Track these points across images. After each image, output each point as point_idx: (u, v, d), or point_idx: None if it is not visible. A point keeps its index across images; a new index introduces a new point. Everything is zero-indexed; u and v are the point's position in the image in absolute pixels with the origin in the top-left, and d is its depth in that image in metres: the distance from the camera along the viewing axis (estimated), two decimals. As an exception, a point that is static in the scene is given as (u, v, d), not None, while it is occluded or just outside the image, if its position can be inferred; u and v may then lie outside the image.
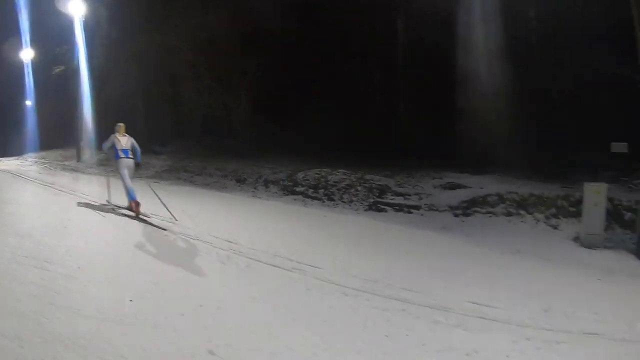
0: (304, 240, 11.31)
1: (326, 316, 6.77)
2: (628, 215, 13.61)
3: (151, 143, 27.28)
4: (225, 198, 17.24)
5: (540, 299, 8.45)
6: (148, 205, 12.68)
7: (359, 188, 17.83)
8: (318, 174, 18.41)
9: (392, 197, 16.65)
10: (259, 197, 17.81)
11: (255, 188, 19.10)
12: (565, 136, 17.55)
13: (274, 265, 9.07)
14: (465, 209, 15.45)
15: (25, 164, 33.13)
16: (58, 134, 37.92)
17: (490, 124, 18.39)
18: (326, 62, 22.52)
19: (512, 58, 18.92)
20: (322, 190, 17.64)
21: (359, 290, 7.92)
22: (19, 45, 40.61)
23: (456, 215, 15.36)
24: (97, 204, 13.32)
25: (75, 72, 31.77)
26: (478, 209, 15.27)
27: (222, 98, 26.49)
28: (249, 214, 14.29)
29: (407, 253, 11.61)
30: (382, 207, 16.24)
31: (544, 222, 14.21)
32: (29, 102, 44.47)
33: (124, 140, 12.74)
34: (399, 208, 16.00)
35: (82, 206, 13.23)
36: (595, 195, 12.67)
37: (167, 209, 12.70)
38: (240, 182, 20.03)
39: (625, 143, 14.13)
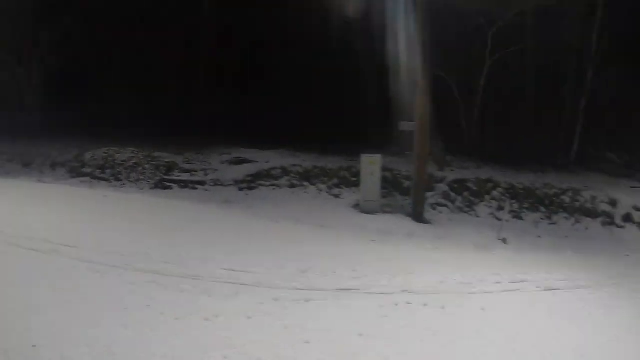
0: (72, 222, 10.23)
1: (70, 295, 6.12)
2: (407, 184, 13.76)
3: None
4: (3, 185, 14.67)
5: (302, 261, 8.04)
6: None
7: (147, 166, 16.10)
8: (106, 154, 16.55)
9: (179, 174, 15.62)
10: (44, 181, 15.69)
11: (41, 171, 16.81)
12: (358, 114, 17.08)
13: (31, 249, 8.05)
14: (250, 183, 14.42)
15: None
16: None
17: (285, 102, 17.54)
18: (125, 35, 20.24)
19: (310, 41, 18.21)
20: (110, 170, 15.87)
21: (112, 266, 7.31)
22: None
23: (241, 189, 14.25)
24: None
25: None
26: (263, 182, 14.33)
27: (13, 71, 22.81)
28: (23, 199, 12.58)
29: (177, 227, 10.40)
30: (168, 184, 14.97)
31: (327, 192, 13.80)
32: None
33: None
34: (184, 185, 14.98)
35: None
36: (372, 165, 12.63)
37: None
38: (26, 165, 17.36)
39: (414, 122, 14.24)
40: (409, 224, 11.82)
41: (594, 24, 18.57)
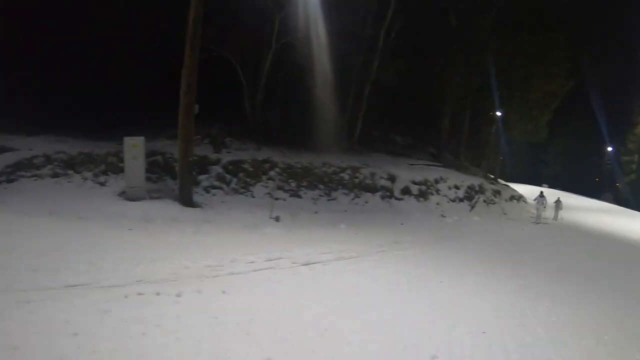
0: None
1: None
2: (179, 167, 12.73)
3: None
4: None
5: (38, 258, 6.95)
6: None
7: None
8: None
9: None
10: None
11: None
12: (142, 96, 15.70)
13: None
14: (9, 175, 12.36)
15: None
16: None
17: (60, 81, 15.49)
18: None
19: (87, 18, 16.40)
20: None
21: None
22: None
23: (-1, 182, 12.37)
24: None
25: None
26: (23, 173, 12.39)
27: None
28: None
29: None
30: None
31: (92, 180, 12.44)
32: None
33: None
34: None
35: None
36: (134, 149, 11.58)
37: None
38: None
39: (197, 105, 13.62)
40: (175, 208, 11.06)
41: (384, 19, 19.25)
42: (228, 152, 13.98)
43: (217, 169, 13.14)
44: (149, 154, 12.74)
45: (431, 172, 19.94)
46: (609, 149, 55.36)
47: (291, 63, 17.54)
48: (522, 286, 8.33)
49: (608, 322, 6.94)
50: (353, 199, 14.94)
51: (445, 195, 19.27)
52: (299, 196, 13.68)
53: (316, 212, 12.75)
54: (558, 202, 23.72)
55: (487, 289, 7.83)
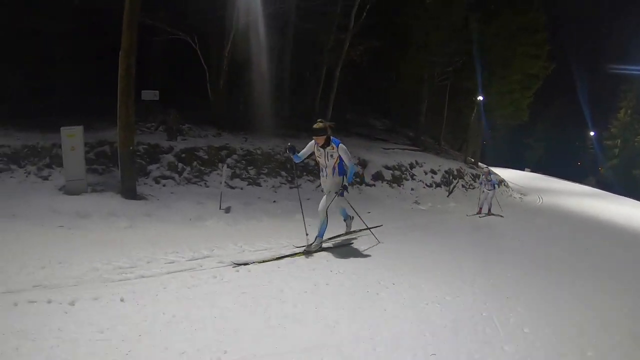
0: None
1: None
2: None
3: None
4: None
5: None
6: None
7: None
8: None
9: None
10: None
11: None
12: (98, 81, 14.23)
13: None
14: (-52, 172, 11.28)
15: None
16: None
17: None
18: None
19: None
20: None
21: None
22: None
23: None
24: None
25: None
26: (-37, 171, 11.25)
27: None
28: None
29: None
30: None
31: (35, 175, 11.11)
32: None
33: None
34: None
35: None
36: (71, 139, 10.28)
37: None
38: None
39: (157, 91, 12.95)
40: (115, 202, 9.78)
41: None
42: (183, 140, 12.78)
43: (169, 157, 11.97)
44: (97, 144, 11.63)
45: (407, 157, 18.95)
46: (592, 133, 54.49)
47: (256, 44, 16.41)
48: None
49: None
50: (319, 186, 13.88)
51: (421, 181, 18.30)
52: (258, 184, 12.53)
53: (275, 202, 11.56)
54: (486, 182, 15.58)
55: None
